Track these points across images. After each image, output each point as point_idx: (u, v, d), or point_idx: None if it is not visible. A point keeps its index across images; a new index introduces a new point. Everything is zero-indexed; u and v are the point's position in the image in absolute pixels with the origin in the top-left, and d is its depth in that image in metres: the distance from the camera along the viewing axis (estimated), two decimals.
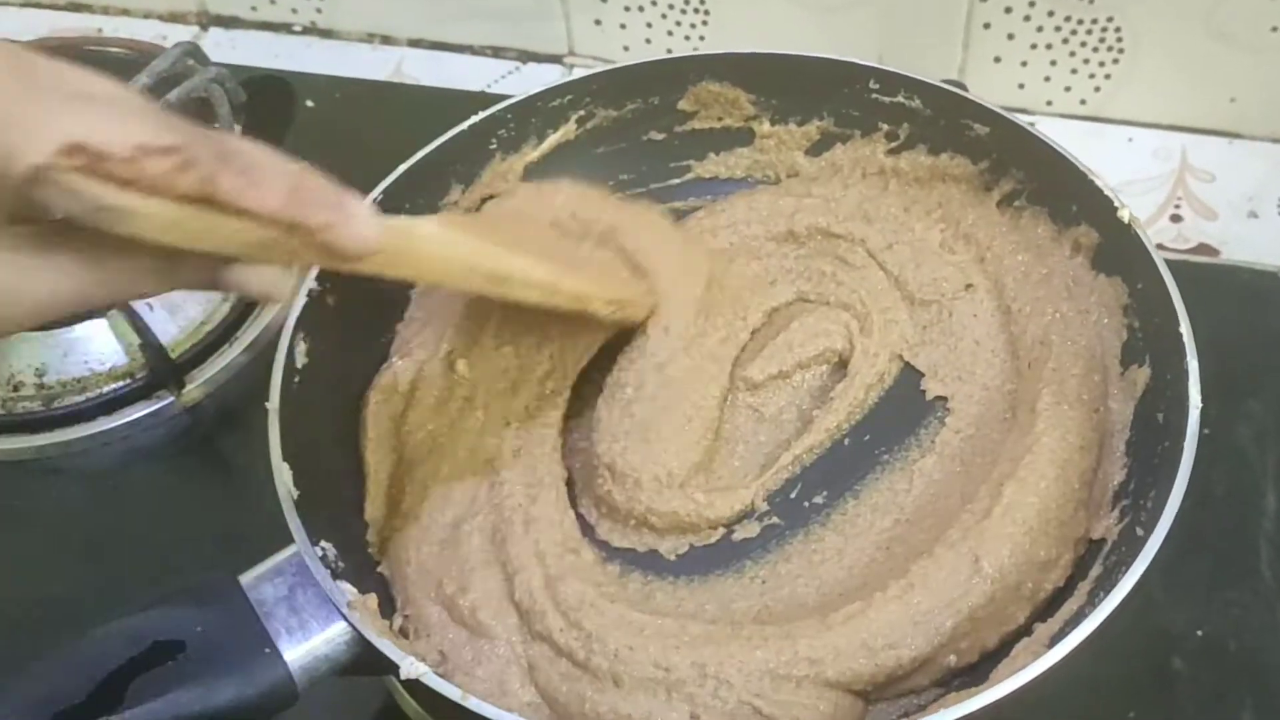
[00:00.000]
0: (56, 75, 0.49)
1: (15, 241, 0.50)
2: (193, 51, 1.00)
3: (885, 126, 0.89)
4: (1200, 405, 0.67)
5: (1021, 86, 1.06)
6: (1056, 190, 0.82)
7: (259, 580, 0.61)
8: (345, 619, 0.60)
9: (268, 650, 0.58)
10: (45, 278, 0.50)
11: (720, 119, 0.93)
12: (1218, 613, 0.79)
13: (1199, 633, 0.78)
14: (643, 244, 0.80)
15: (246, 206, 0.50)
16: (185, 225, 0.49)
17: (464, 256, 0.65)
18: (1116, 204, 0.77)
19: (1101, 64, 1.03)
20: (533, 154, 0.90)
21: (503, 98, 0.89)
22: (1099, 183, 0.78)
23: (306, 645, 0.59)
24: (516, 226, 0.81)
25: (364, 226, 0.54)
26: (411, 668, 0.58)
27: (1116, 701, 0.76)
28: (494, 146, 0.88)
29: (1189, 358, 0.69)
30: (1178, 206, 1.02)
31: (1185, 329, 0.70)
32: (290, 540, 0.63)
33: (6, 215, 0.49)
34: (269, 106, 1.02)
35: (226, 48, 1.18)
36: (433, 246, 0.63)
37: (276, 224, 0.51)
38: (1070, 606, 0.67)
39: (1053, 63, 1.04)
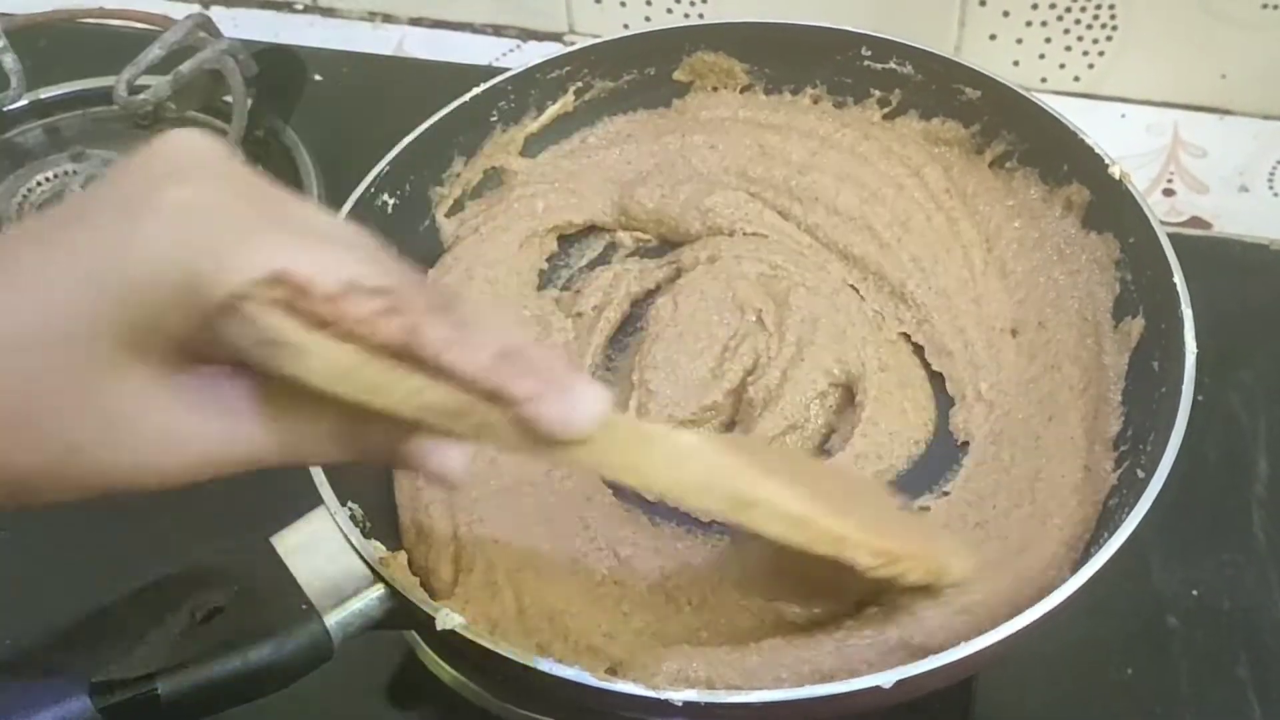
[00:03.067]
0: (280, 204, 0.45)
1: (196, 382, 0.45)
2: (204, 24, 1.00)
3: (877, 93, 0.91)
4: (1196, 351, 0.69)
5: (1016, 63, 1.08)
6: (1047, 150, 0.84)
7: (291, 541, 0.62)
8: (379, 576, 0.61)
9: (304, 608, 0.59)
10: (217, 427, 0.45)
11: (715, 88, 0.94)
12: (1212, 573, 0.80)
13: (1194, 593, 0.80)
14: None
15: (446, 364, 0.44)
16: (360, 375, 0.43)
17: (704, 478, 0.54)
18: (1107, 161, 0.79)
19: (1095, 41, 1.05)
20: (532, 125, 0.92)
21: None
22: (1089, 141, 0.80)
23: (341, 603, 0.60)
24: (800, 457, 0.74)
25: (576, 409, 0.46)
26: (447, 619, 0.59)
27: (1114, 659, 0.77)
28: (495, 119, 0.90)
29: (1183, 306, 0.71)
30: (1170, 181, 1.04)
31: (1179, 279, 0.72)
32: (318, 502, 0.64)
33: (192, 350, 0.44)
34: (279, 79, 1.03)
35: (228, 26, 1.18)
36: (670, 457, 0.53)
37: (474, 390, 0.44)
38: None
39: (1047, 40, 1.06)
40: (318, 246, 0.43)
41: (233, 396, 0.45)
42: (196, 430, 0.45)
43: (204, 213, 0.42)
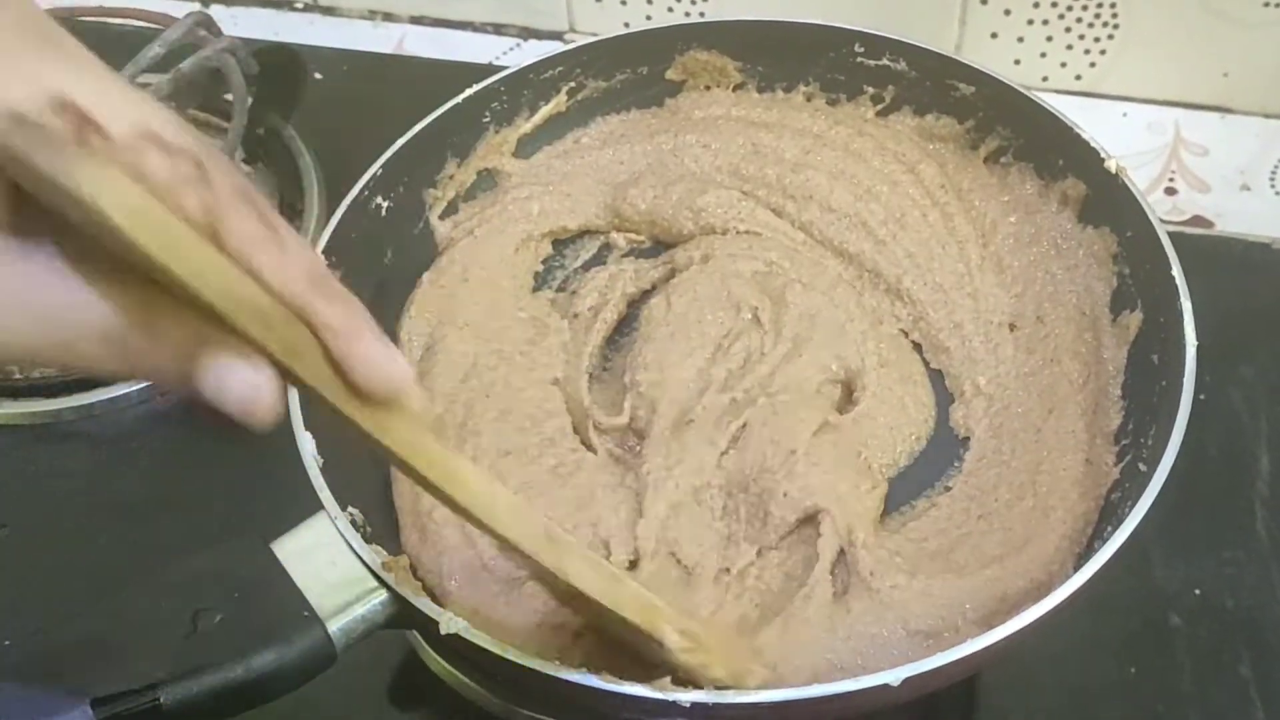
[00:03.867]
0: (65, 40, 0.41)
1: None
2: (205, 22, 1.00)
3: (870, 90, 0.91)
4: (1196, 343, 0.69)
5: (1017, 62, 1.08)
6: (1042, 145, 0.84)
7: (291, 547, 0.62)
8: (381, 581, 0.61)
9: (306, 614, 0.59)
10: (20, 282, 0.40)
11: (708, 87, 0.94)
12: (1214, 572, 0.81)
13: (1196, 591, 0.80)
14: None
15: (257, 265, 0.39)
16: (166, 226, 0.37)
17: (516, 507, 0.53)
18: (1103, 155, 0.79)
19: (1096, 39, 1.05)
20: (525, 126, 0.92)
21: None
22: (1084, 135, 0.80)
23: (344, 609, 0.60)
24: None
25: (391, 360, 0.42)
26: (451, 623, 0.59)
27: (1117, 658, 0.78)
28: (487, 119, 0.90)
29: (1182, 299, 0.71)
30: (1172, 180, 1.03)
31: (1177, 271, 0.72)
32: (317, 507, 0.64)
33: None
34: (280, 78, 1.02)
35: (229, 24, 1.18)
36: (481, 476, 0.52)
37: (283, 303, 0.40)
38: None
39: (1048, 38, 1.06)
40: (113, 86, 0.39)
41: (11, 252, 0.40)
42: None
43: None
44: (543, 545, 0.54)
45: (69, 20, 1.10)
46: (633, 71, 0.93)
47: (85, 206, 0.36)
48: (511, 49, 1.18)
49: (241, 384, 0.41)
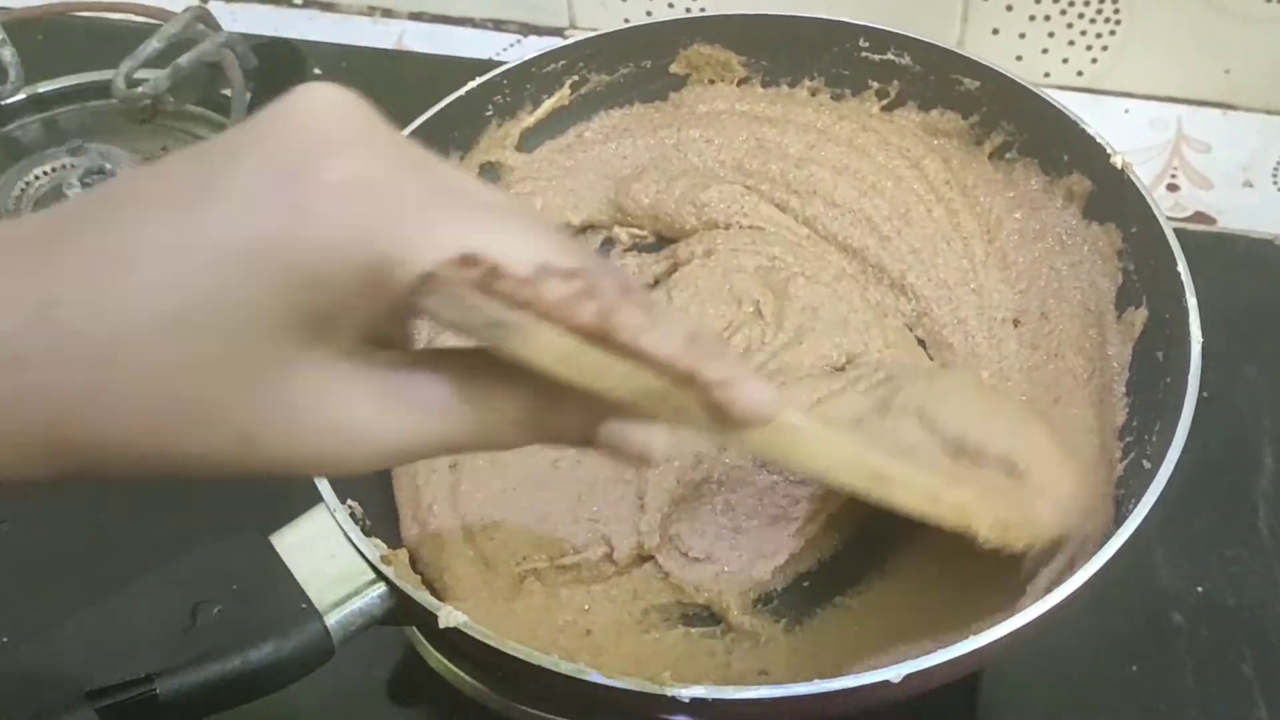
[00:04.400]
0: (456, 179, 0.43)
1: (378, 368, 0.43)
2: (203, 16, 1.00)
3: (875, 84, 0.90)
4: (1201, 340, 0.68)
5: (1019, 58, 1.07)
6: (1047, 140, 0.83)
7: (290, 540, 0.61)
8: (380, 574, 0.61)
9: (304, 607, 0.58)
10: (402, 416, 0.43)
11: (712, 81, 0.94)
12: (1217, 570, 0.80)
13: (1199, 589, 0.79)
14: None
15: (644, 349, 0.42)
16: (580, 358, 0.42)
17: (852, 453, 0.56)
18: (1109, 150, 0.78)
19: (1098, 35, 1.05)
20: (528, 120, 0.91)
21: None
22: (1090, 130, 0.79)
23: (342, 602, 0.60)
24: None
25: (761, 392, 0.45)
26: (450, 617, 0.58)
27: (1118, 656, 0.77)
28: (490, 113, 0.89)
29: (1188, 295, 0.70)
30: (1174, 176, 1.03)
31: (1183, 267, 0.71)
32: (316, 499, 0.64)
33: (376, 332, 0.42)
34: (279, 73, 1.02)
35: (227, 19, 1.18)
36: (819, 436, 0.54)
37: (670, 374, 0.44)
38: None
39: (1050, 34, 1.06)
40: (503, 224, 0.41)
41: (418, 383, 0.43)
42: (379, 420, 0.42)
43: (375, 189, 0.39)
44: (872, 482, 0.56)
45: (68, 15, 1.10)
46: (636, 65, 0.93)
47: (511, 357, 0.41)
48: (511, 45, 1.18)
49: (638, 443, 0.46)
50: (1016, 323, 0.81)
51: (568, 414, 0.45)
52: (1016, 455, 0.66)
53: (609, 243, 0.90)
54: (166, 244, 0.39)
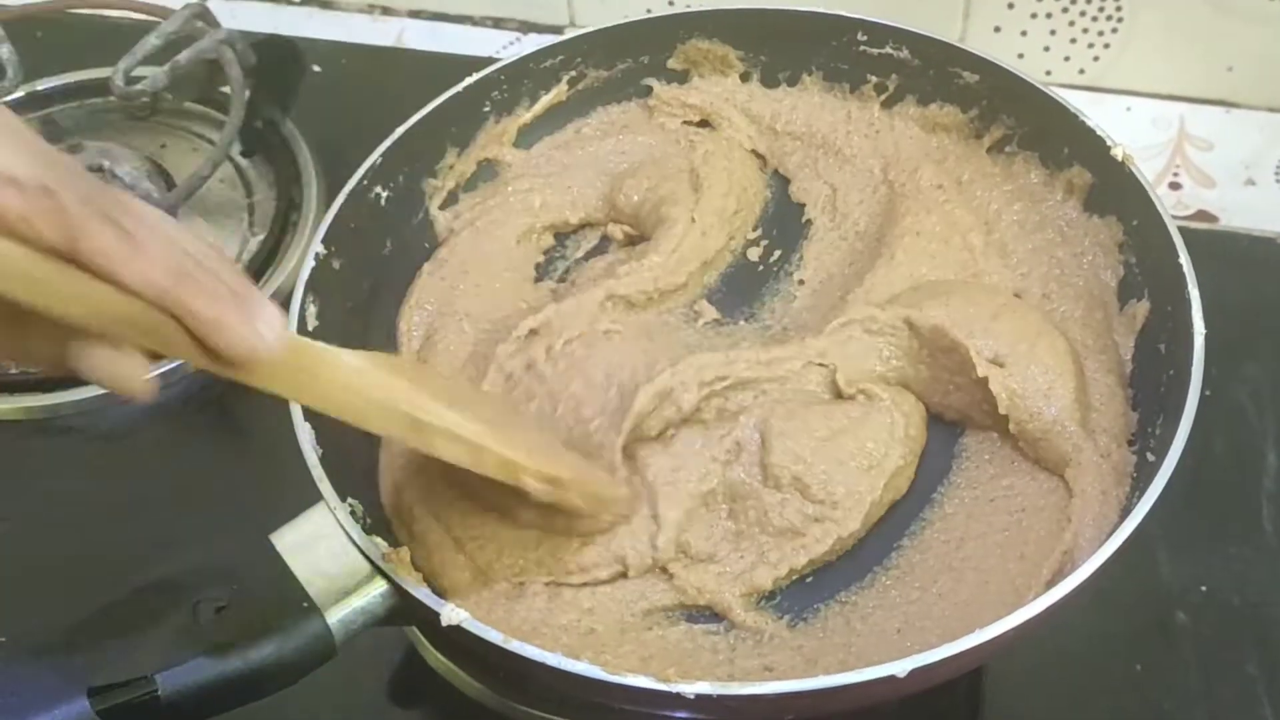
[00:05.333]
0: None
1: None
2: (202, 13, 1.00)
3: (874, 79, 0.90)
4: (1204, 331, 0.68)
5: (1021, 56, 1.07)
6: (1047, 133, 0.83)
7: (290, 539, 0.61)
8: (381, 573, 0.60)
9: (305, 606, 0.58)
10: None
11: (708, 75, 0.93)
12: (1221, 568, 0.80)
13: (1203, 588, 0.79)
14: None
15: (118, 275, 0.42)
16: (16, 269, 0.42)
17: (380, 397, 0.57)
18: (1109, 143, 0.78)
19: (1100, 34, 1.05)
20: (526, 116, 0.91)
21: None
22: (1090, 123, 0.79)
23: (343, 601, 0.60)
24: (467, 386, 0.76)
25: (260, 333, 0.46)
26: (452, 614, 0.58)
27: (1123, 655, 0.77)
28: (488, 109, 0.89)
29: (1190, 287, 0.70)
30: (1176, 174, 1.03)
31: (1185, 259, 0.71)
32: (316, 498, 0.63)
33: None
34: (278, 70, 1.02)
35: (226, 17, 1.18)
36: (347, 377, 0.55)
37: (150, 304, 0.44)
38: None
39: (1052, 32, 1.06)
40: None
41: None
42: None
43: None
44: (409, 431, 0.58)
45: (66, 12, 1.10)
46: (634, 60, 0.92)
47: None
48: (511, 43, 1.17)
49: (112, 373, 0.46)
50: (1018, 296, 0.80)
51: (38, 331, 0.44)
52: None
53: (607, 239, 0.89)
54: None
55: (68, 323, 0.43)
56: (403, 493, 0.72)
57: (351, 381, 0.55)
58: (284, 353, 0.49)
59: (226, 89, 1.00)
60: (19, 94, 1.06)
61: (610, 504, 0.68)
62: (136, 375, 0.46)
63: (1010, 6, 1.04)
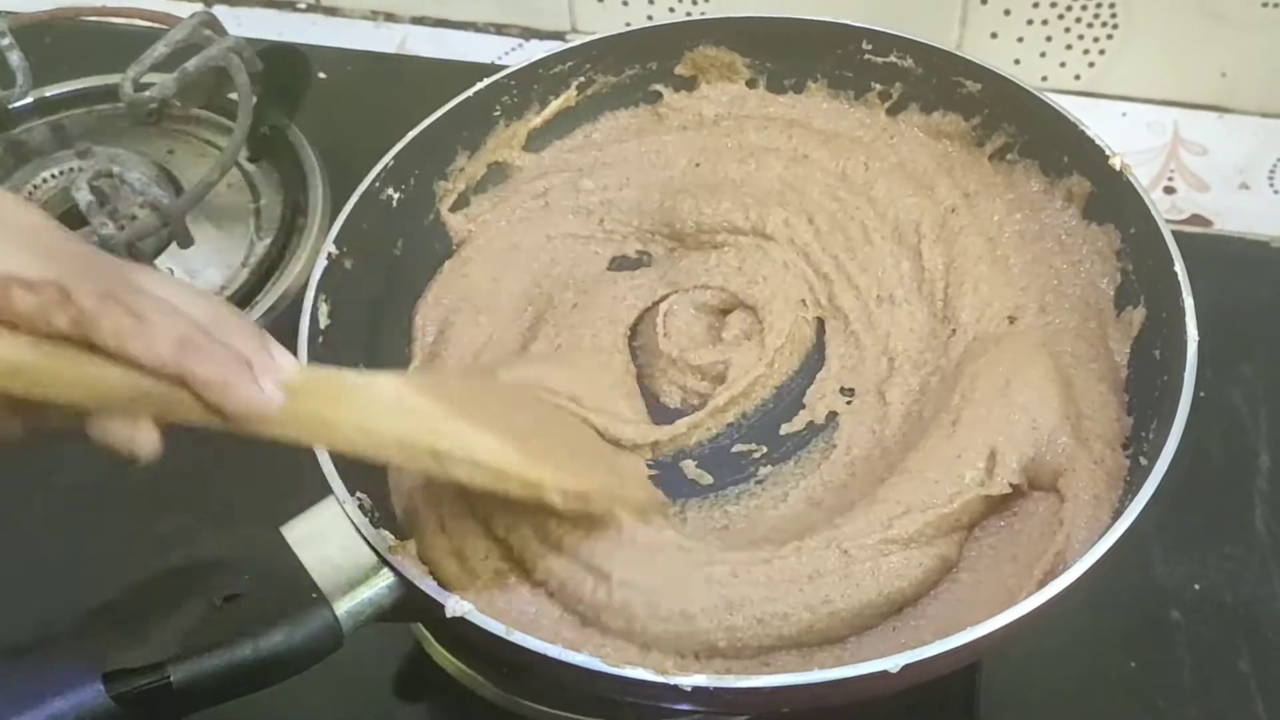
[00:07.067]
0: None
1: None
2: (209, 21, 1.01)
3: (878, 86, 0.91)
4: (1198, 339, 0.69)
5: (1017, 62, 1.08)
6: (1047, 142, 0.84)
7: (300, 531, 0.62)
8: (388, 564, 0.61)
9: (315, 596, 0.59)
10: None
11: (715, 82, 0.94)
12: (1214, 567, 0.81)
13: (1196, 586, 0.80)
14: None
15: (127, 353, 0.45)
16: (28, 372, 0.44)
17: (399, 433, 0.57)
18: (1108, 152, 0.79)
19: (1096, 39, 1.06)
20: (535, 120, 0.92)
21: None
22: (1089, 132, 0.80)
23: (351, 592, 0.61)
24: (494, 390, 0.75)
25: (263, 390, 0.49)
26: (456, 606, 0.59)
27: (1117, 653, 0.78)
28: (498, 114, 0.90)
29: (1185, 295, 0.71)
30: (1171, 179, 1.04)
31: (1180, 267, 0.72)
32: (326, 492, 0.64)
33: None
34: (284, 77, 1.03)
35: (232, 24, 1.19)
36: (363, 416, 0.56)
37: (157, 374, 0.46)
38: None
39: (1048, 38, 1.07)
40: None
41: None
42: None
43: None
44: (430, 462, 0.58)
45: (75, 20, 1.11)
46: (642, 67, 0.93)
47: None
48: (513, 49, 1.18)
49: (125, 438, 0.49)
50: (1011, 319, 0.81)
51: (51, 417, 0.47)
52: None
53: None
54: None
55: (83, 409, 0.47)
56: (403, 474, 0.73)
57: (367, 421, 0.56)
58: (294, 399, 0.51)
59: (234, 96, 1.01)
60: (28, 100, 1.07)
61: (634, 509, 0.68)
62: (149, 443, 0.50)
63: (1007, 13, 1.05)
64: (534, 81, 0.91)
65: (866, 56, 0.90)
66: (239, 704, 0.59)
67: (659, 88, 0.94)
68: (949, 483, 0.69)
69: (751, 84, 0.94)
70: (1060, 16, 1.05)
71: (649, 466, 0.76)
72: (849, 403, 0.78)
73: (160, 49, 0.99)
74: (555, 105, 0.92)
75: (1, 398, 0.46)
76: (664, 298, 0.83)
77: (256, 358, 0.49)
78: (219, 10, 1.22)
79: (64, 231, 0.48)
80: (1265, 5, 1.00)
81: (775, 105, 0.93)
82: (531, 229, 0.88)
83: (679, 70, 0.94)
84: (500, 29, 1.20)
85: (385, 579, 0.61)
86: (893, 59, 0.89)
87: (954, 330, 0.79)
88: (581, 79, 0.92)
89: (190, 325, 0.47)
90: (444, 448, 0.58)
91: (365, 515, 0.64)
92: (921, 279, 0.82)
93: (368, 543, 0.62)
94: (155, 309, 0.46)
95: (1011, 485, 0.69)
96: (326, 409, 0.54)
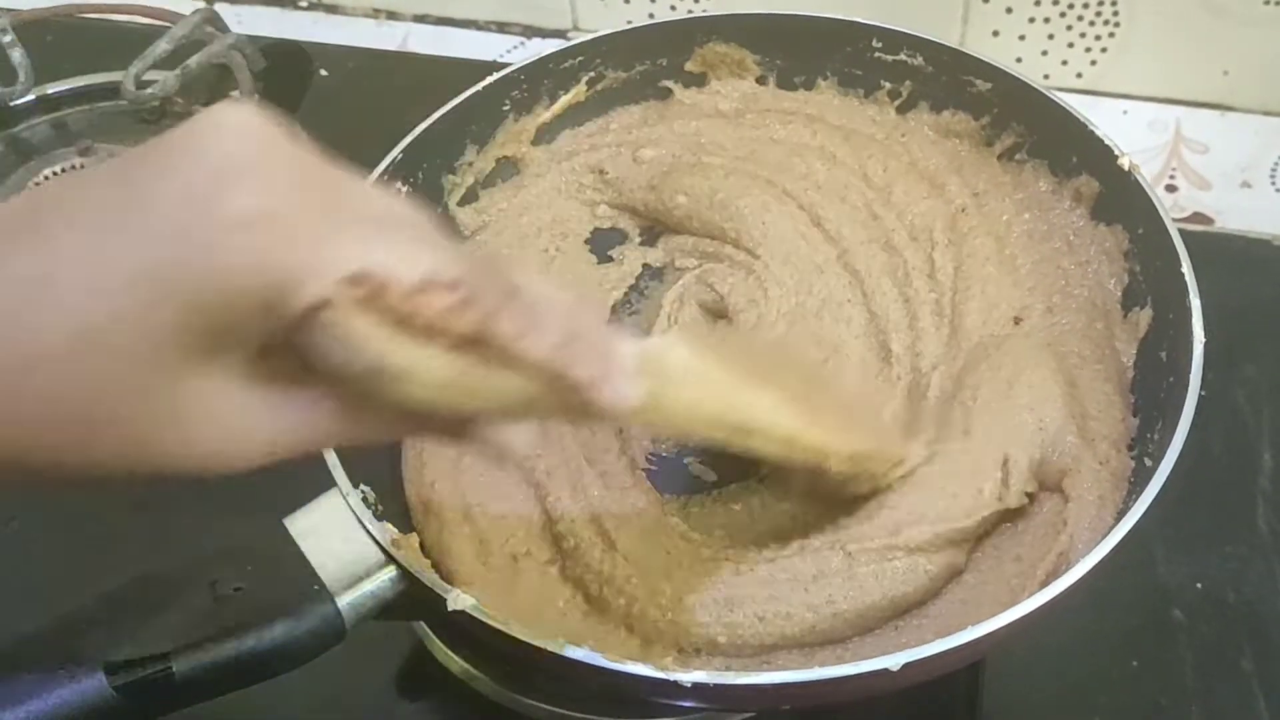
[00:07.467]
0: (343, 190, 0.44)
1: (262, 375, 0.45)
2: (211, 18, 1.01)
3: (888, 85, 0.91)
4: (1204, 340, 0.69)
5: (1019, 60, 1.08)
6: (1056, 141, 0.84)
7: (303, 523, 0.62)
8: (391, 557, 0.61)
9: (316, 588, 0.59)
10: (289, 419, 0.46)
11: (725, 78, 0.94)
12: (1216, 566, 0.81)
13: (1198, 585, 0.80)
14: None
15: (521, 352, 0.44)
16: (456, 387, 0.44)
17: (713, 411, 0.56)
18: (1116, 152, 0.79)
19: (1098, 38, 1.06)
20: (545, 115, 0.92)
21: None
22: (1099, 132, 0.80)
23: (354, 585, 0.61)
24: (775, 350, 0.75)
25: (622, 390, 0.48)
26: (458, 600, 0.59)
27: (1119, 652, 0.78)
28: (507, 108, 0.90)
29: (1191, 295, 0.71)
30: (1172, 177, 1.04)
31: (1187, 268, 0.72)
32: (330, 484, 0.64)
33: (261, 345, 0.44)
34: (286, 74, 1.03)
35: (233, 21, 1.19)
36: (685, 392, 0.54)
37: (542, 375, 0.45)
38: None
39: (1050, 36, 1.07)
40: (391, 239, 0.43)
41: (306, 391, 0.45)
42: (268, 423, 0.45)
43: (270, 220, 0.41)
44: (729, 435, 0.58)
45: (77, 17, 1.11)
46: (652, 62, 0.93)
47: (390, 400, 0.44)
48: (515, 47, 1.19)
49: (505, 440, 0.51)
50: (1017, 320, 0.81)
51: (439, 419, 0.47)
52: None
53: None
54: (82, 266, 0.40)
55: (480, 413, 0.47)
56: (426, 467, 0.74)
57: (689, 393, 0.55)
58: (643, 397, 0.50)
59: (235, 93, 1.01)
60: (30, 97, 1.07)
61: (903, 465, 0.69)
62: (524, 441, 0.51)
63: (1009, 11, 1.05)
64: (544, 76, 0.91)
65: (876, 54, 0.90)
66: (241, 702, 0.59)
67: (669, 84, 0.94)
68: (967, 497, 0.69)
69: (761, 81, 0.94)
70: (1062, 14, 1.05)
71: (649, 463, 0.76)
72: None
73: (162, 46, 1.00)
74: (565, 100, 0.92)
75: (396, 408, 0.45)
76: (675, 295, 0.84)
77: (614, 355, 0.48)
78: (221, 7, 1.22)
79: (441, 227, 0.47)
80: (1268, 3, 1.00)
81: (789, 101, 0.93)
82: (541, 222, 0.88)
83: (689, 66, 0.94)
84: (502, 27, 1.20)
85: (388, 572, 0.61)
86: (902, 57, 0.89)
87: (961, 331, 0.79)
88: (591, 74, 0.92)
89: (569, 319, 0.47)
90: (745, 421, 0.58)
91: (369, 508, 0.64)
92: (932, 280, 0.81)
93: (371, 536, 0.62)
94: (540, 304, 0.46)
95: (1027, 496, 0.69)
96: (655, 396, 0.52)
